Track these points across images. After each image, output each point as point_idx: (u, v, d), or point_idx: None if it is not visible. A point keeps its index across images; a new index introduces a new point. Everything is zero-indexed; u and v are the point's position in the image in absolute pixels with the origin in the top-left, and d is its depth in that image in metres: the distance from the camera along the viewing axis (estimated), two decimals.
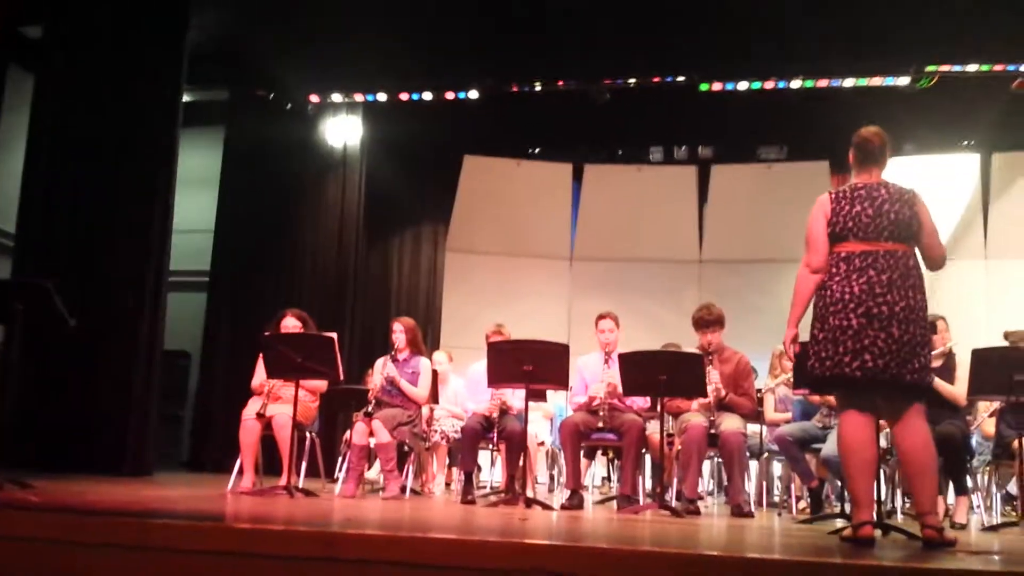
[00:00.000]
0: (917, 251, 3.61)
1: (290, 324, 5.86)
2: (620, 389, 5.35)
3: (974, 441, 5.78)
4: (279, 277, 9.17)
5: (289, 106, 9.27)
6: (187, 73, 7.66)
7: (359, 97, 9.34)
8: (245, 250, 9.11)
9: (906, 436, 3.45)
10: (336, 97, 9.34)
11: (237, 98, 9.40)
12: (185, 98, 7.82)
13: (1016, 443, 4.94)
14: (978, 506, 5.81)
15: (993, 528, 4.92)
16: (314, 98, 9.29)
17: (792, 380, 5.41)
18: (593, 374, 5.75)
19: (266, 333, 5.64)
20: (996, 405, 5.52)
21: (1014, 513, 5.86)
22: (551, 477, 7.65)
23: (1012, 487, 6.29)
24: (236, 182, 9.22)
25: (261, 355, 5.57)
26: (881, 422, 3.83)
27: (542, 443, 6.95)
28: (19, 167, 7.18)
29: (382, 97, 9.24)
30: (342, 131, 9.57)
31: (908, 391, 3.45)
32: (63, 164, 7.12)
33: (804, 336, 3.71)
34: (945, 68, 8.07)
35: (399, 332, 6.06)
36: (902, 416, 3.46)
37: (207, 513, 3.57)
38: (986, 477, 5.92)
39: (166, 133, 7.45)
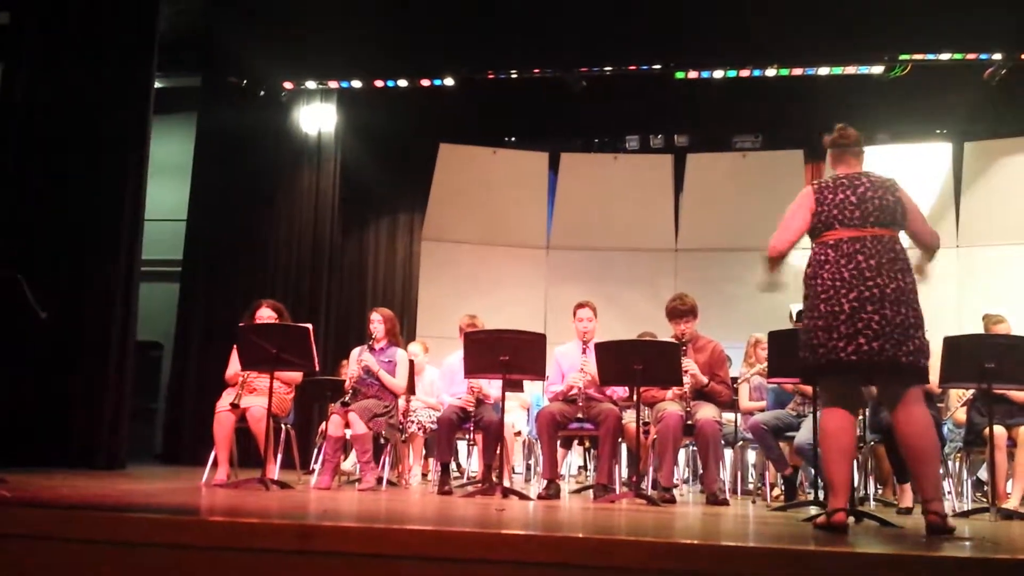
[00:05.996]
0: (903, 236, 3.63)
1: (265, 315, 5.81)
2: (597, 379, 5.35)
3: (945, 429, 5.86)
4: (253, 266, 9.10)
5: (262, 93, 9.17)
6: (158, 59, 7.56)
7: (333, 84, 9.27)
8: (218, 239, 9.04)
9: (907, 423, 3.43)
10: (310, 84, 9.27)
11: (209, 85, 9.31)
12: (157, 84, 7.73)
13: (986, 430, 5.00)
14: (949, 492, 5.88)
15: (964, 514, 4.97)
16: (288, 85, 9.21)
17: (767, 369, 5.43)
18: (571, 364, 5.74)
19: (240, 324, 5.58)
20: (969, 394, 5.58)
21: (984, 499, 5.94)
22: (528, 467, 7.66)
23: (982, 473, 6.38)
24: (209, 170, 9.14)
25: (235, 346, 5.52)
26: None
27: (519, 433, 6.95)
28: None
29: (357, 84, 9.17)
30: (316, 118, 9.50)
31: (904, 374, 3.43)
32: (33, 151, 7.02)
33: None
34: (919, 57, 8.12)
35: (378, 322, 6.02)
36: (900, 402, 3.44)
37: (182, 506, 3.53)
38: (957, 464, 5.99)
39: (137, 120, 7.36)
